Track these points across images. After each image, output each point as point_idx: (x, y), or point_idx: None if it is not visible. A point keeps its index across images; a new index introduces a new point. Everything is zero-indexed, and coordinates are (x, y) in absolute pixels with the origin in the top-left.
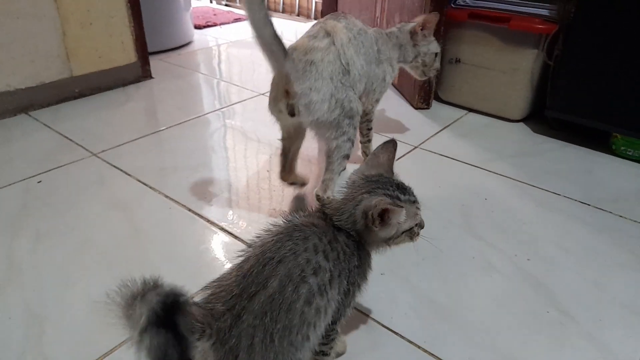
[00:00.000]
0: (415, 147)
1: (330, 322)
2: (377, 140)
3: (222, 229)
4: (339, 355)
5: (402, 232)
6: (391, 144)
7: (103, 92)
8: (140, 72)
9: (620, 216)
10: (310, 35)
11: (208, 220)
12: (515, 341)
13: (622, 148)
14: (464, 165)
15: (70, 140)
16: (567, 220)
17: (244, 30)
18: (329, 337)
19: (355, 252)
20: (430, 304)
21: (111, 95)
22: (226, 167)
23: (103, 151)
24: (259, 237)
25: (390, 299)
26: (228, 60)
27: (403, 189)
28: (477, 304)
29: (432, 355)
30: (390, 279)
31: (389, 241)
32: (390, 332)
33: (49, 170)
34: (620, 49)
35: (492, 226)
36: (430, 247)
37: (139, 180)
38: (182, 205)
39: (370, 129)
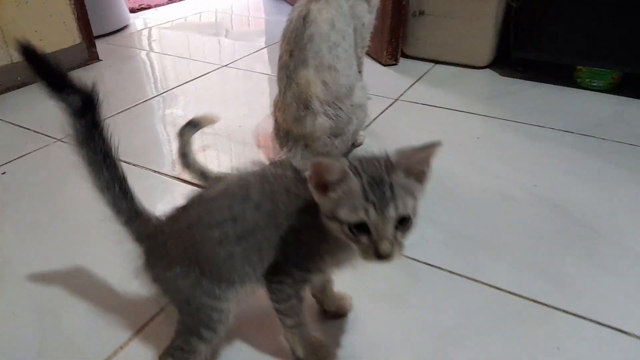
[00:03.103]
0: (396, 100)
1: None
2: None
3: None
4: (340, 315)
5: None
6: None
7: None
8: (87, 54)
9: (603, 139)
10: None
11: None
12: (549, 257)
13: (588, 80)
14: (448, 111)
15: (27, 129)
16: (558, 147)
17: (180, 11)
18: (276, 293)
19: (306, 212)
20: (457, 236)
21: None
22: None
23: (68, 136)
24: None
25: (417, 236)
26: (176, 38)
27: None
28: (502, 230)
29: (478, 281)
30: None
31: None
32: (428, 266)
33: (12, 160)
34: None
35: (493, 160)
36: (441, 185)
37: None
38: (173, 177)
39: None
